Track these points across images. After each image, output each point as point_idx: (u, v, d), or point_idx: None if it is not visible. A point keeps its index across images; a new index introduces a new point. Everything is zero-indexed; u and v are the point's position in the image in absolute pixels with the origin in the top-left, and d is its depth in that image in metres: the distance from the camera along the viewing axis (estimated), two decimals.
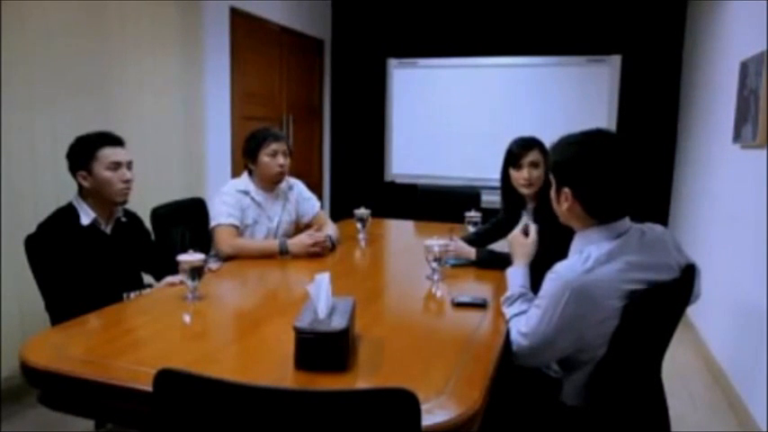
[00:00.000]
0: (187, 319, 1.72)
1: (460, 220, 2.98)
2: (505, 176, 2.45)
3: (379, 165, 5.73)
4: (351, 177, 5.97)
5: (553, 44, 5.05)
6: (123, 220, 2.14)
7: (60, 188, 2.75)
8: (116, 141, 2.06)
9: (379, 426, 0.94)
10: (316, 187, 5.77)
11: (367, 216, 2.89)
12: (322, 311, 1.31)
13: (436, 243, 2.04)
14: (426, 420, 0.99)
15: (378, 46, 5.66)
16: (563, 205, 1.54)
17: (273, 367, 1.34)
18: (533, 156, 2.34)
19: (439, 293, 1.97)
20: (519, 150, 2.36)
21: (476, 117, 5.24)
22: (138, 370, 1.25)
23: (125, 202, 2.09)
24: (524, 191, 2.37)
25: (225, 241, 2.46)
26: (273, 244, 2.48)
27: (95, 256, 1.98)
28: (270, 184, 2.66)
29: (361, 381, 1.27)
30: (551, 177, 1.60)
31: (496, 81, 5.19)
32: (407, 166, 5.55)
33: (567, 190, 1.51)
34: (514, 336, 1.55)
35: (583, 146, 1.51)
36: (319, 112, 5.77)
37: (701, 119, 4.16)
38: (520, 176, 2.35)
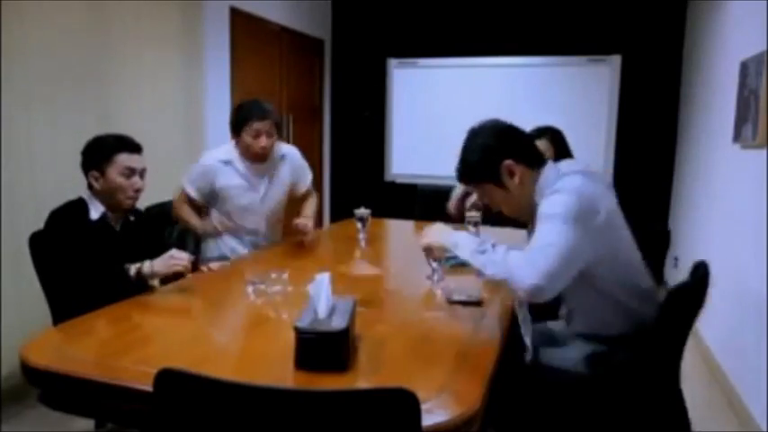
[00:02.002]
0: (188, 319, 1.72)
1: (460, 219, 2.98)
2: None
3: (379, 164, 5.73)
4: (351, 177, 5.97)
5: (553, 44, 5.05)
6: (131, 218, 2.14)
7: (61, 187, 2.75)
8: (134, 148, 2.06)
9: (380, 425, 0.94)
10: (316, 187, 5.75)
11: (367, 216, 2.89)
12: (322, 311, 1.31)
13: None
14: (426, 420, 0.99)
15: (378, 46, 5.66)
16: (513, 181, 1.64)
17: (273, 367, 1.34)
18: (540, 145, 2.45)
19: (439, 293, 1.97)
20: None
21: (476, 117, 5.11)
22: (138, 370, 1.25)
23: (132, 208, 2.10)
24: None
25: (177, 203, 2.63)
26: (197, 227, 2.62)
27: (104, 251, 1.98)
28: (252, 161, 2.60)
29: (361, 380, 1.27)
30: (480, 186, 1.71)
31: (497, 81, 5.19)
32: (407, 166, 5.55)
33: (509, 162, 1.63)
34: (525, 273, 1.44)
35: (493, 127, 1.72)
36: (319, 111, 5.77)
37: (701, 119, 4.16)
38: None
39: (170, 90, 3.61)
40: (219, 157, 2.58)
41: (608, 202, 1.58)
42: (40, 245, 1.96)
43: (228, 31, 4.20)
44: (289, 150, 2.80)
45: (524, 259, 1.47)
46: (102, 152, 2.01)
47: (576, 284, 1.52)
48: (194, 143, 3.85)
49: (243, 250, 2.68)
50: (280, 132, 2.66)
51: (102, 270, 1.91)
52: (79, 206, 2.01)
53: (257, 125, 2.51)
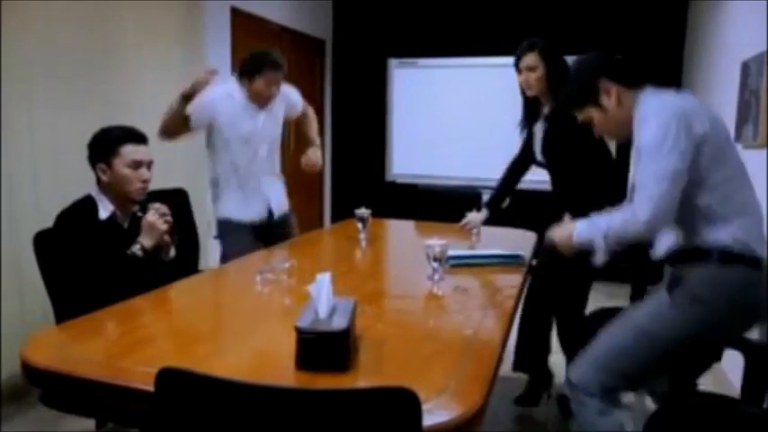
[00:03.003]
0: (190, 317, 1.72)
1: (461, 220, 2.97)
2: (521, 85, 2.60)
3: (380, 165, 5.73)
4: (351, 177, 5.97)
5: (554, 44, 5.03)
6: (139, 214, 2.13)
7: (62, 184, 2.76)
8: (140, 139, 2.06)
9: (380, 425, 0.94)
10: (316, 187, 5.78)
11: (368, 216, 2.88)
12: (323, 311, 1.31)
13: (437, 243, 2.03)
14: (427, 420, 0.99)
15: (378, 46, 5.66)
16: (611, 102, 1.67)
17: (274, 367, 1.34)
18: (529, 60, 2.48)
19: (440, 293, 1.97)
20: (517, 55, 2.52)
21: (476, 117, 5.24)
22: (139, 369, 1.25)
23: (141, 200, 2.08)
24: (528, 92, 2.53)
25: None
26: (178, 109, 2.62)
27: (112, 250, 1.96)
28: (257, 103, 2.77)
29: (361, 380, 1.27)
30: (584, 112, 1.74)
31: (497, 81, 5.17)
32: (408, 166, 5.55)
33: (604, 81, 1.68)
34: (635, 215, 1.56)
35: (591, 53, 1.78)
36: (320, 111, 5.76)
37: None
38: (520, 80, 2.53)
39: (171, 90, 3.60)
40: (224, 90, 2.75)
41: (706, 120, 1.56)
42: (47, 245, 1.95)
43: (229, 31, 4.20)
44: (283, 89, 2.95)
45: (631, 205, 1.58)
46: (108, 144, 2.00)
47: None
48: (195, 142, 3.84)
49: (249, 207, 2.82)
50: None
51: (111, 265, 1.91)
52: (88, 206, 2.00)
53: (272, 75, 2.71)
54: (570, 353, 2.45)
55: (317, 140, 3.09)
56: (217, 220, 2.84)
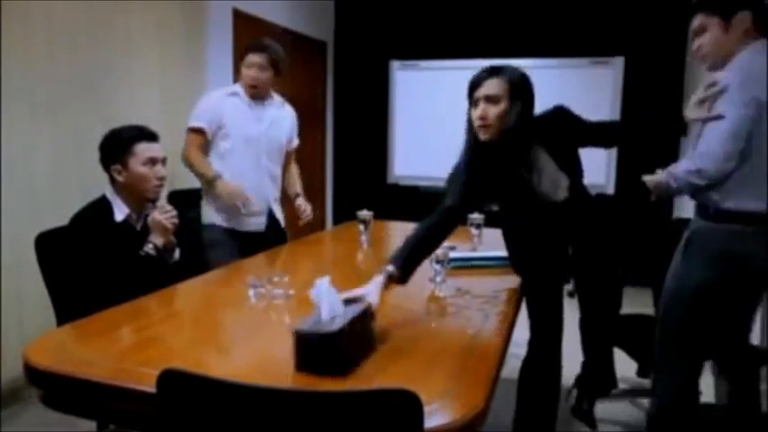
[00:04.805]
0: (190, 321, 1.72)
1: (463, 222, 2.97)
2: (470, 120, 1.91)
3: (382, 167, 5.73)
4: (353, 179, 5.97)
5: (556, 46, 5.04)
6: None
7: (61, 187, 2.76)
8: (152, 137, 2.04)
9: (381, 427, 0.94)
10: (318, 189, 5.78)
11: (369, 218, 2.89)
12: (325, 314, 1.31)
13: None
14: (429, 422, 0.99)
15: (380, 48, 5.67)
16: (736, 32, 1.70)
17: (275, 369, 1.34)
18: (489, 87, 1.82)
19: (442, 295, 1.97)
20: (474, 81, 1.87)
21: None
22: (141, 371, 1.25)
23: (157, 198, 2.06)
24: (480, 135, 1.84)
25: (186, 148, 2.70)
26: (208, 174, 2.62)
27: (126, 252, 1.95)
28: (250, 95, 2.72)
29: (363, 382, 1.26)
30: (709, 16, 1.75)
31: None
32: (410, 168, 5.55)
33: (746, 14, 1.68)
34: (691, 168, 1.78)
35: None
36: (322, 114, 5.77)
37: None
38: (474, 115, 1.84)
39: (173, 92, 3.62)
40: (226, 90, 2.77)
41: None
42: (49, 246, 1.94)
43: (232, 33, 4.21)
44: (287, 104, 3.00)
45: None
46: (121, 144, 1.98)
47: None
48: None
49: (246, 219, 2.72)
50: (278, 71, 2.81)
51: (126, 267, 1.90)
52: (103, 207, 1.99)
53: (252, 57, 2.68)
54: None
55: (300, 191, 2.95)
56: (204, 226, 2.68)
